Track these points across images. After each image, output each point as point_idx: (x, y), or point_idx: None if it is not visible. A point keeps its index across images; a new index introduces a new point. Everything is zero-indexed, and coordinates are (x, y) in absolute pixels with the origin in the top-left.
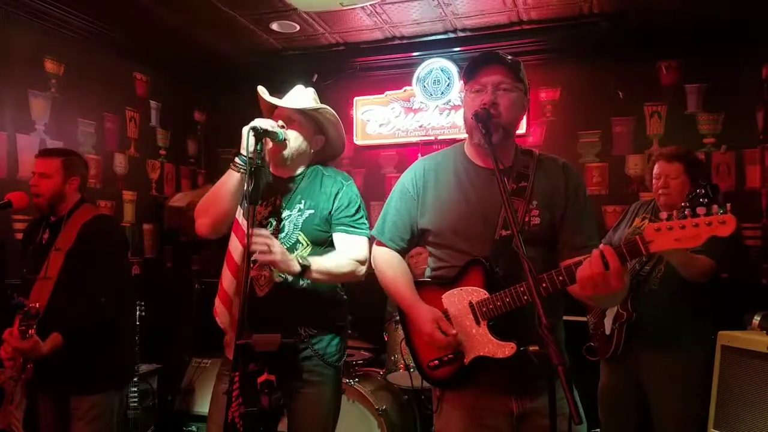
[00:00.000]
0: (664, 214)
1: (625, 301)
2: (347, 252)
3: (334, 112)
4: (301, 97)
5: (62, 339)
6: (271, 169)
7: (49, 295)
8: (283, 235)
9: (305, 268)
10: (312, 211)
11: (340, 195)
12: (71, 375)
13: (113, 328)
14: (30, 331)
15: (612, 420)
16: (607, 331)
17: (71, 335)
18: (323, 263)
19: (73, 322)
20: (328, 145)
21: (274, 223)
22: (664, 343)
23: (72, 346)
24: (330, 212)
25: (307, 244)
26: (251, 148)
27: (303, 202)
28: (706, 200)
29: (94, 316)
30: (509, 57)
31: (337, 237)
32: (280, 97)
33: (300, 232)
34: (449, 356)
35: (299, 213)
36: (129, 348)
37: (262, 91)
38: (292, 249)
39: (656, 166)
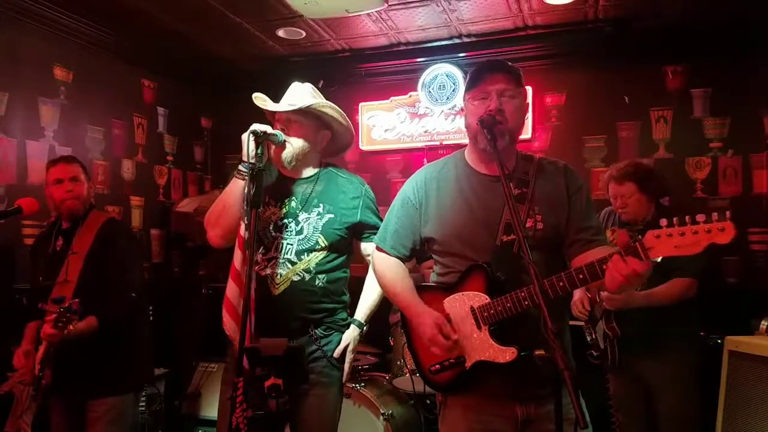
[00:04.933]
0: (664, 221)
1: (610, 320)
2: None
3: (333, 104)
4: (298, 95)
5: (97, 324)
6: (280, 170)
7: (71, 297)
8: (302, 237)
9: (366, 325)
10: (332, 216)
11: (362, 205)
12: (90, 377)
13: (133, 328)
14: (69, 327)
15: (626, 422)
16: (601, 346)
17: (106, 324)
18: (368, 309)
19: (109, 315)
20: (335, 138)
21: (293, 224)
22: (656, 350)
23: (92, 347)
24: (356, 223)
25: (325, 247)
26: (252, 153)
27: (321, 206)
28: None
29: (126, 310)
30: (510, 64)
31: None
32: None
33: (320, 235)
34: (450, 361)
35: (318, 216)
36: (146, 350)
37: (257, 97)
38: (310, 250)
39: (609, 188)
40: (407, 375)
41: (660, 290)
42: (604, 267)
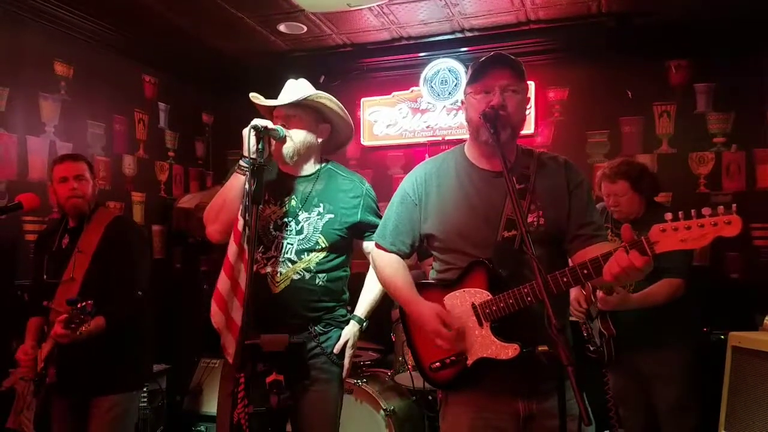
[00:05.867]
0: (669, 215)
1: (605, 318)
2: None
3: (331, 96)
4: (294, 90)
5: (105, 324)
6: (280, 167)
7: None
8: (302, 237)
9: (365, 321)
10: (332, 216)
11: (363, 205)
12: (94, 375)
13: (137, 326)
14: (82, 328)
15: (628, 415)
16: (598, 343)
17: (113, 324)
18: (368, 305)
19: (116, 314)
20: (335, 132)
21: (293, 224)
22: (653, 344)
23: (96, 345)
24: (357, 223)
25: (325, 247)
26: (253, 148)
27: (321, 205)
28: None
29: (133, 309)
30: (513, 58)
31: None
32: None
33: (320, 235)
34: (451, 358)
35: (319, 216)
36: (149, 347)
37: (254, 97)
38: (310, 250)
39: (602, 186)
40: (409, 371)
41: (651, 291)
42: None
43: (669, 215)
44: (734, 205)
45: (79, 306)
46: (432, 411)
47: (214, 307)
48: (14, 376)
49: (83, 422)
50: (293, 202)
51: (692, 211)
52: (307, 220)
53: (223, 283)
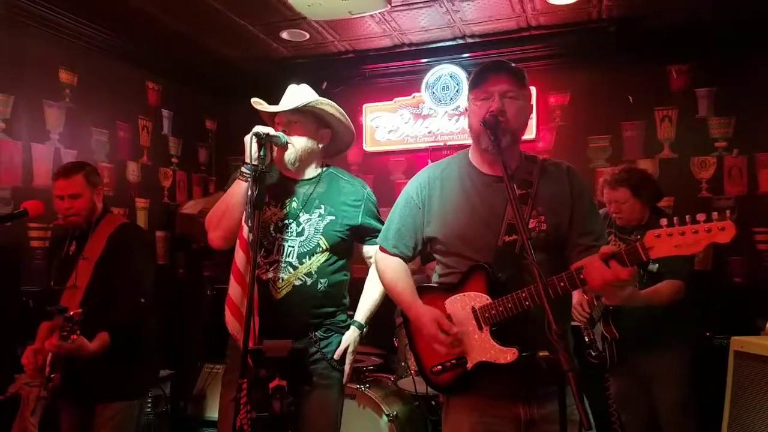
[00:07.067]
0: (664, 221)
1: (608, 322)
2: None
3: (332, 102)
4: (296, 96)
5: (109, 338)
6: (282, 172)
7: (79, 304)
8: (303, 238)
9: (366, 326)
10: (333, 217)
11: (364, 208)
12: (99, 382)
13: (141, 333)
14: (73, 336)
15: (630, 419)
16: (600, 348)
17: (116, 335)
18: (368, 310)
19: (118, 322)
20: (336, 137)
21: (294, 225)
22: (654, 347)
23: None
24: (357, 225)
25: (326, 249)
26: (255, 155)
27: (323, 207)
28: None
29: (136, 317)
30: (513, 65)
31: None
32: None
33: (321, 236)
34: (452, 362)
35: (320, 218)
36: (154, 354)
37: (256, 102)
38: (311, 252)
39: (604, 192)
40: (411, 376)
41: (657, 289)
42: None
43: (664, 221)
44: (728, 212)
45: (67, 315)
46: (435, 416)
47: (228, 315)
48: (19, 381)
49: (90, 428)
50: (294, 204)
51: (687, 217)
52: (308, 222)
53: (234, 290)
